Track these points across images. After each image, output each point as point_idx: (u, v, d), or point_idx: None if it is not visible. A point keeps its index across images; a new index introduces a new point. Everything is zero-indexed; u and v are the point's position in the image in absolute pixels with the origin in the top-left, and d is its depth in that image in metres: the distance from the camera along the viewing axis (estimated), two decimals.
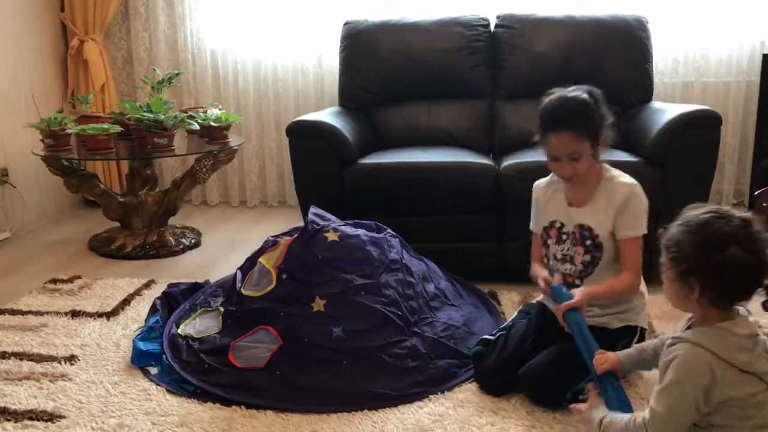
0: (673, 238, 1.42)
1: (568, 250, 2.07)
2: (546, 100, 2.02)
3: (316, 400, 1.99)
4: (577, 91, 1.99)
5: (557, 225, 2.09)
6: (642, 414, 1.44)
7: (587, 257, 2.03)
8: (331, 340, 2.15)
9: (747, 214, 1.38)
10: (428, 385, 2.07)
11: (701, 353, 1.36)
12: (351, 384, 2.04)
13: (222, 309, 2.37)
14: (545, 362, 1.96)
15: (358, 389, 2.02)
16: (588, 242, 2.03)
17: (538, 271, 2.10)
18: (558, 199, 2.11)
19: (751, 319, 1.42)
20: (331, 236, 2.37)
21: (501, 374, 2.04)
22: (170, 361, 2.19)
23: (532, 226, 2.21)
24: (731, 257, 1.33)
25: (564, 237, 2.08)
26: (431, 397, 2.03)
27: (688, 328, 1.46)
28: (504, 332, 2.12)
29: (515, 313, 2.25)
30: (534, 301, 2.27)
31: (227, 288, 2.53)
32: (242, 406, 1.97)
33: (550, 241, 2.11)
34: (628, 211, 2.00)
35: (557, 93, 2.01)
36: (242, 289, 2.36)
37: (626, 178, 2.04)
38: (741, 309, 1.43)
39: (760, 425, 1.40)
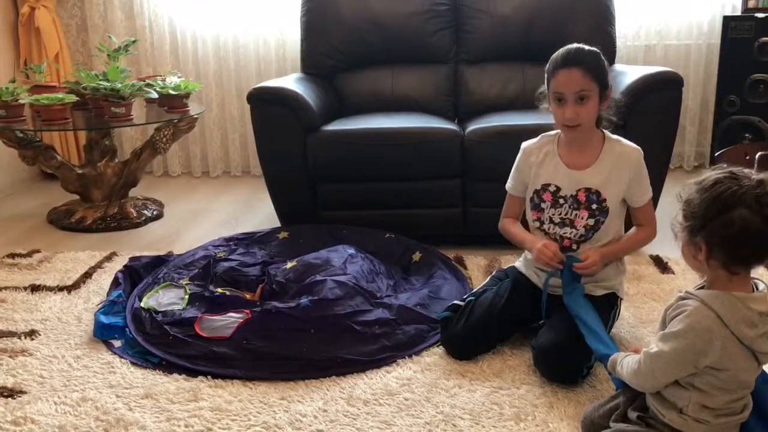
0: (687, 196, 1.40)
1: (567, 213, 2.03)
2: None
3: (283, 368, 1.98)
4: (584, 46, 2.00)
5: (551, 188, 2.05)
6: (652, 349, 1.44)
7: (591, 221, 2.01)
8: (297, 309, 2.14)
9: (763, 176, 1.35)
10: (396, 350, 2.07)
11: (709, 315, 1.35)
12: (319, 351, 2.03)
13: (189, 290, 2.35)
14: (559, 340, 1.88)
15: (326, 356, 2.01)
16: (594, 206, 2.01)
17: (527, 237, 2.09)
18: (552, 162, 2.06)
19: None
20: (289, 264, 2.44)
21: (467, 340, 2.04)
22: (134, 334, 2.15)
23: (510, 186, 2.17)
24: (736, 217, 1.31)
25: (561, 201, 2.04)
26: (399, 361, 2.03)
27: (700, 289, 1.44)
28: (473, 298, 2.11)
29: (487, 279, 2.24)
30: (507, 267, 2.26)
31: (195, 273, 2.50)
32: (208, 377, 1.96)
33: (544, 205, 2.06)
34: (642, 176, 2.02)
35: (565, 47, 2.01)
36: (217, 290, 2.36)
37: (630, 142, 2.05)
38: (761, 284, 1.41)
39: (735, 399, 1.42)
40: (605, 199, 2.00)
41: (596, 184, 2.01)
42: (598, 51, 1.98)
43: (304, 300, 2.18)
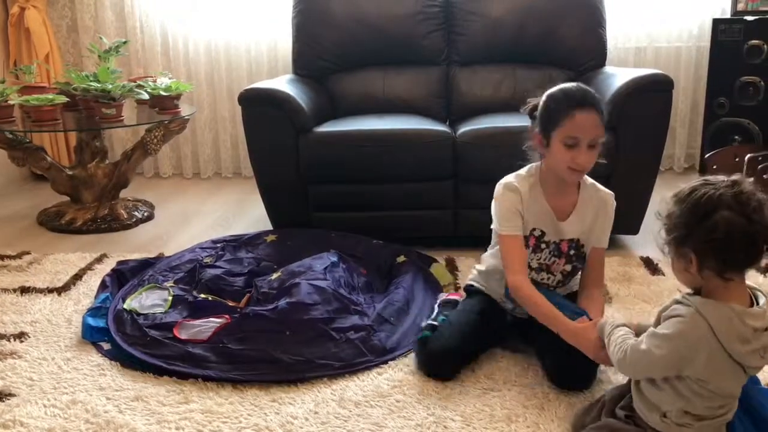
0: (666, 211, 1.39)
1: (545, 259, 1.99)
2: (552, 89, 1.89)
3: (257, 371, 1.96)
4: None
5: (536, 233, 1.98)
6: (641, 344, 1.43)
7: (568, 267, 1.99)
8: (275, 311, 2.14)
9: (736, 177, 1.34)
10: (371, 355, 2.05)
11: (702, 325, 1.33)
12: (294, 354, 2.00)
13: (172, 293, 2.34)
14: (567, 350, 1.81)
15: (301, 359, 1.99)
16: (572, 252, 1.99)
17: (571, 324, 1.81)
18: (541, 207, 1.96)
19: None
20: (275, 275, 2.42)
21: (456, 353, 1.95)
22: (114, 335, 2.14)
23: (510, 226, 1.95)
24: (720, 220, 1.29)
25: (543, 246, 1.98)
26: (390, 363, 2.03)
27: (696, 293, 1.42)
28: (444, 318, 2.05)
29: (438, 307, 2.18)
30: (456, 296, 2.22)
31: (180, 276, 2.49)
32: (199, 379, 1.94)
33: (528, 251, 1.98)
34: (610, 221, 2.00)
35: (560, 84, 1.91)
36: (200, 295, 2.35)
37: (603, 187, 2.01)
38: (762, 298, 1.38)
39: (719, 405, 1.41)
40: (583, 245, 2.00)
41: (577, 233, 1.99)
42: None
43: (281, 302, 2.17)
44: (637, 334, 1.52)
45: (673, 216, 1.37)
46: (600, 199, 1.99)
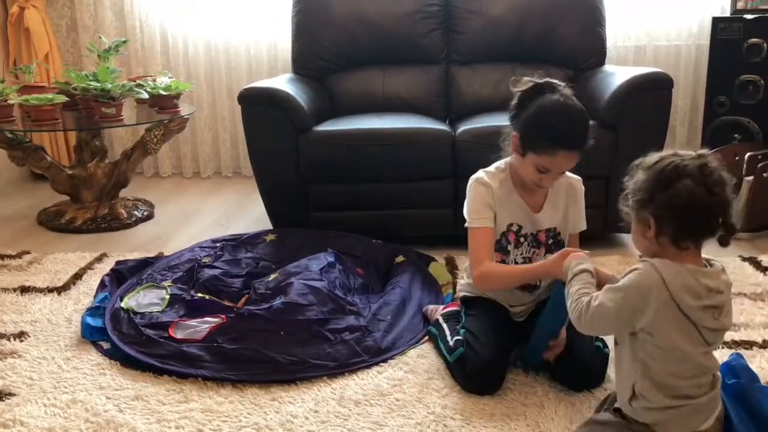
0: (633, 178, 1.45)
1: (527, 252, 1.99)
2: (545, 105, 1.82)
3: (251, 371, 1.96)
4: (566, 90, 1.85)
5: (514, 228, 1.97)
6: (594, 299, 1.46)
7: (548, 256, 1.96)
8: (270, 311, 2.14)
9: (703, 151, 1.40)
10: (367, 354, 2.05)
11: (654, 276, 1.36)
12: (287, 354, 2.00)
13: (170, 292, 2.34)
14: (583, 349, 1.85)
15: (294, 360, 1.99)
16: (550, 241, 1.99)
17: (534, 265, 1.86)
18: (515, 201, 1.96)
19: (724, 277, 1.40)
20: (273, 276, 2.42)
21: (497, 364, 1.89)
22: (110, 333, 2.15)
23: (482, 219, 1.94)
24: (682, 188, 1.34)
25: (522, 239, 1.98)
26: (390, 362, 2.03)
27: None
28: (464, 331, 1.97)
29: (444, 323, 2.10)
30: (455, 307, 2.16)
31: (179, 275, 2.49)
32: (199, 378, 1.95)
33: (510, 247, 1.97)
34: (581, 207, 2.01)
35: (555, 98, 1.82)
36: (197, 294, 2.34)
37: (571, 173, 2.00)
38: (717, 263, 1.42)
39: (675, 372, 1.40)
40: (560, 233, 2.00)
41: (553, 222, 1.99)
42: (585, 109, 1.86)
43: (276, 302, 2.18)
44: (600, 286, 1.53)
45: (638, 182, 1.42)
46: (569, 185, 2.00)
